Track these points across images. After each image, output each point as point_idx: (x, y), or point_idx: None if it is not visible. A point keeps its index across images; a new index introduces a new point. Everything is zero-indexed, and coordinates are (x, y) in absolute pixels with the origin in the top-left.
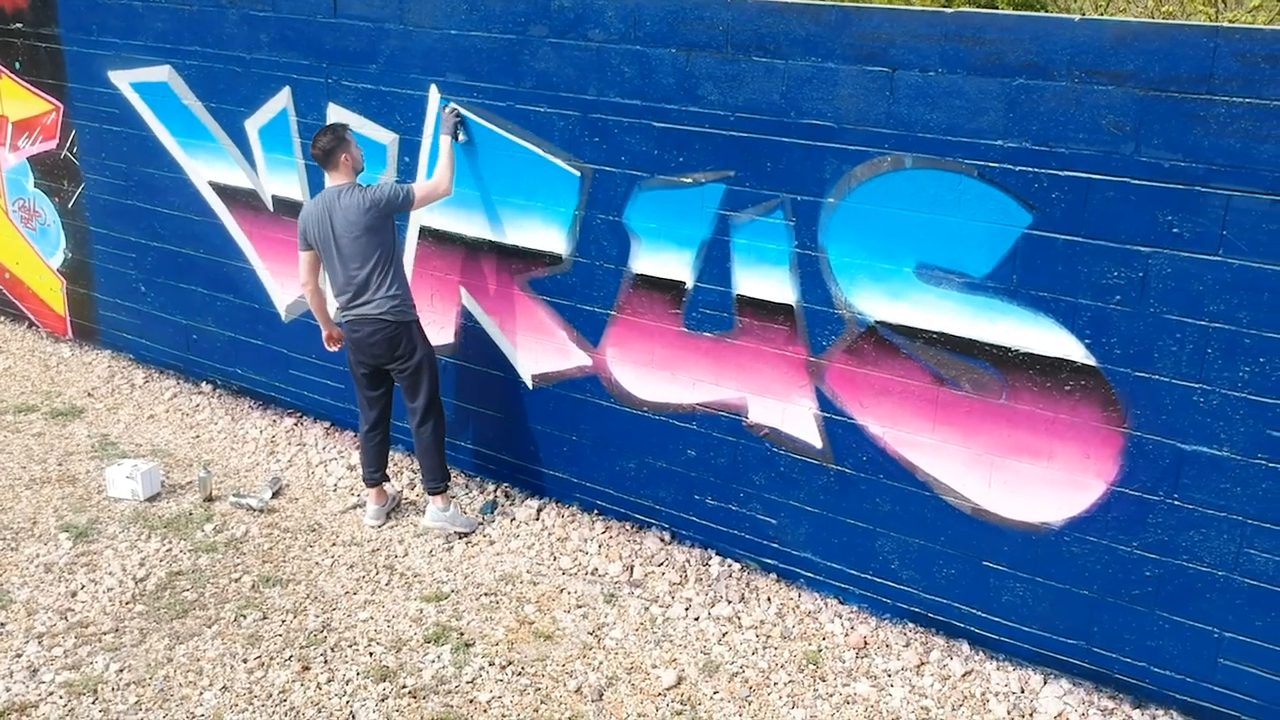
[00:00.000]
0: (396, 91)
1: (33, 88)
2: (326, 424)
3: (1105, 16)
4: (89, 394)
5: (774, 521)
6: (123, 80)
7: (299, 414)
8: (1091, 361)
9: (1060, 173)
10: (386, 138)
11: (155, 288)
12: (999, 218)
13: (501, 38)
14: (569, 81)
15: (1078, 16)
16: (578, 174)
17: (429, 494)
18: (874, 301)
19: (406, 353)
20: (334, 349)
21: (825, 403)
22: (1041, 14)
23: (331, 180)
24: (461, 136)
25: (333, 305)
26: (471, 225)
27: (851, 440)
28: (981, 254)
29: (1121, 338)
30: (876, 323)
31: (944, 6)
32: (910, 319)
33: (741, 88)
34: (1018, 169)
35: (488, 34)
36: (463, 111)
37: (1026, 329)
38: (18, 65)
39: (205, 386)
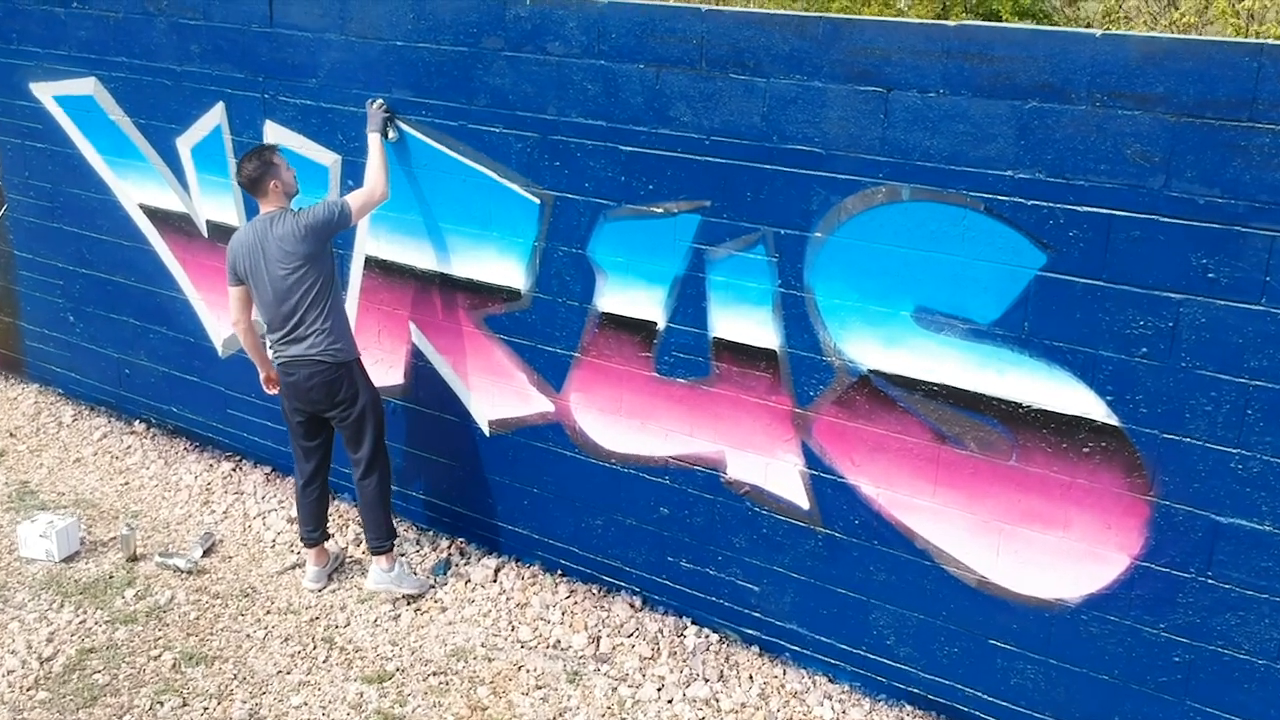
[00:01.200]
0: (338, 108)
1: None
2: (267, 469)
3: (1130, 31)
4: (11, 434)
5: (756, 588)
6: (45, 93)
7: (238, 457)
8: (1114, 421)
9: (1079, 208)
10: (328, 159)
11: (84, 318)
12: (1009, 258)
13: (452, 50)
14: (526, 99)
15: (1099, 32)
16: (537, 201)
17: (372, 553)
18: (867, 348)
19: (348, 398)
20: (273, 391)
21: (813, 459)
22: (1058, 29)
23: (263, 207)
24: (392, 134)
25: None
26: (422, 256)
27: (842, 501)
28: (989, 298)
29: (1148, 395)
30: (870, 372)
31: (941, 19)
32: (908, 369)
33: (718, 108)
34: (1030, 203)
35: (437, 46)
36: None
37: (1039, 383)
38: None
39: (138, 425)
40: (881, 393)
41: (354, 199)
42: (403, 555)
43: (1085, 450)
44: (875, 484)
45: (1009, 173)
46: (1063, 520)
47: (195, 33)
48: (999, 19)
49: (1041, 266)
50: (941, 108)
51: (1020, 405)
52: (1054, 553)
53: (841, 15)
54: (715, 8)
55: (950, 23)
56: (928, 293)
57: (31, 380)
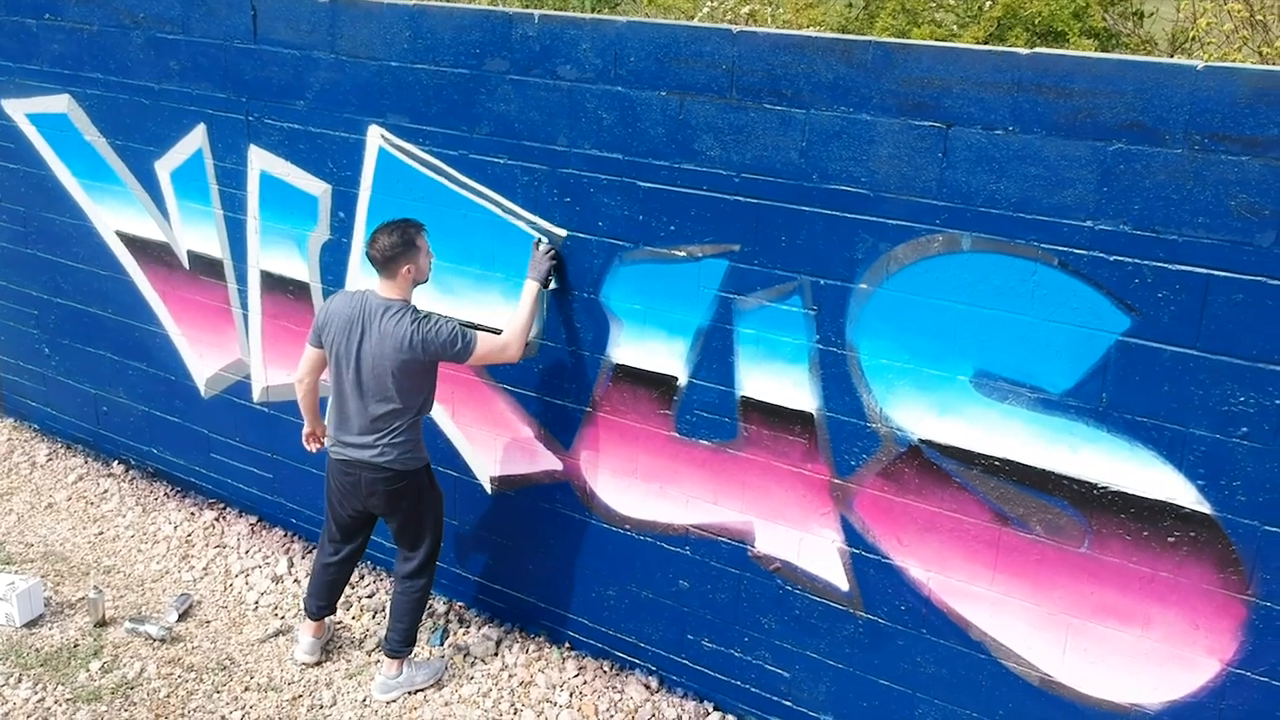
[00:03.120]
0: (328, 133)
1: None
2: (252, 519)
3: (1236, 64)
4: None
5: (787, 674)
6: (17, 110)
7: (221, 505)
8: (1205, 509)
9: (1169, 266)
10: (318, 188)
11: (60, 350)
12: (1086, 319)
13: (452, 72)
14: (534, 128)
15: (1200, 63)
16: (534, 242)
17: (386, 655)
18: (918, 416)
19: (411, 506)
20: (313, 448)
21: (853, 536)
22: (1150, 60)
23: (382, 288)
24: (553, 284)
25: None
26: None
27: (886, 584)
28: (1061, 364)
29: (1247, 481)
30: (921, 442)
31: (996, 41)
32: (965, 440)
33: (749, 142)
34: (1112, 259)
35: (436, 67)
36: (397, 143)
37: (1118, 462)
38: None
39: (116, 467)
40: (934, 465)
41: (483, 344)
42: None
43: (1170, 540)
44: (925, 567)
45: (1088, 223)
46: (1142, 617)
47: (174, 48)
48: (1063, 40)
49: (1124, 331)
50: (1010, 147)
51: (1095, 486)
52: (1131, 653)
53: (894, 40)
54: (748, 29)
55: (1022, 51)
56: (990, 356)
57: (6, 414)
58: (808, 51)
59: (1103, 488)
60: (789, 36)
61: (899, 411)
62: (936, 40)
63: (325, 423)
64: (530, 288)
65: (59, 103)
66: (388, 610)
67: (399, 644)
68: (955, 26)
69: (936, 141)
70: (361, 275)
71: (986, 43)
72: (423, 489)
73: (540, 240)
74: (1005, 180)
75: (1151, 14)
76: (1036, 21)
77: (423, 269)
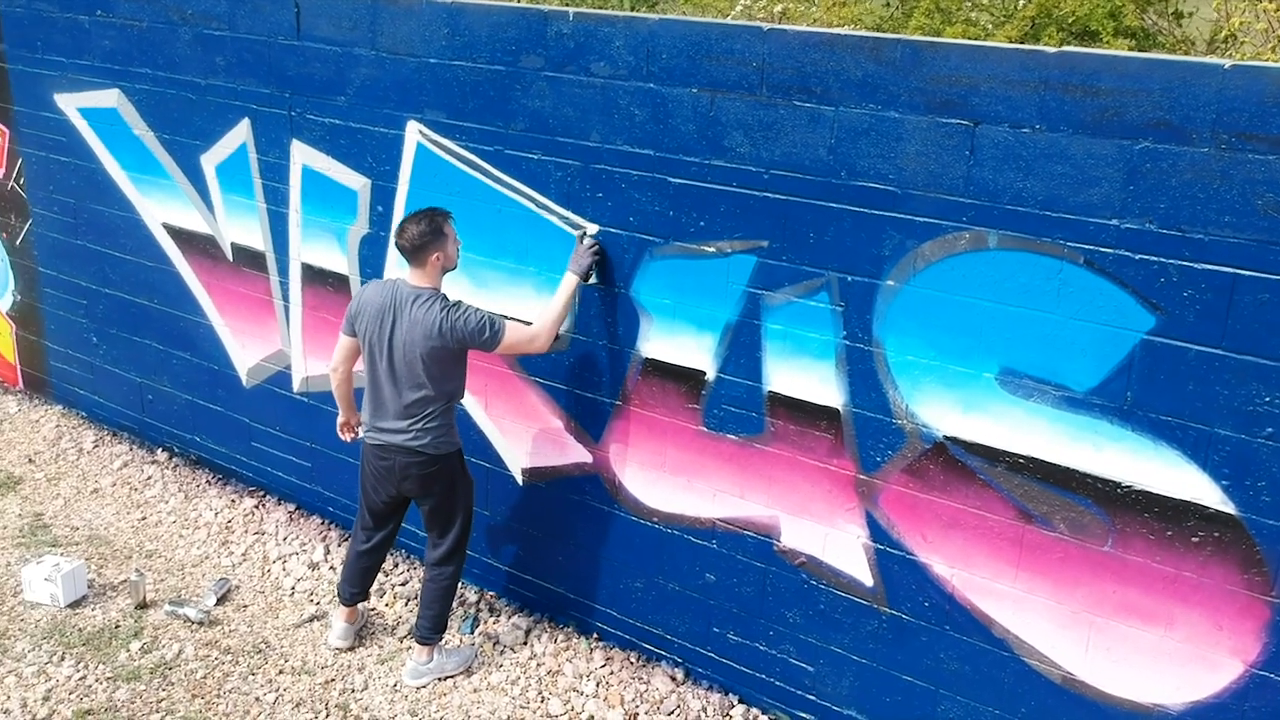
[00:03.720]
0: (368, 129)
1: None
2: (291, 507)
3: (1264, 63)
4: (30, 460)
5: (811, 669)
6: (70, 105)
7: (261, 493)
8: (1229, 509)
9: (1195, 265)
10: (357, 182)
11: (108, 339)
12: (1111, 318)
13: (488, 69)
14: (568, 124)
15: (1227, 62)
16: (575, 234)
17: (417, 642)
18: (943, 412)
19: (443, 490)
20: (348, 438)
21: (878, 531)
22: (1178, 58)
23: (412, 276)
24: (593, 279)
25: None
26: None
27: (911, 580)
28: (1086, 362)
29: (1272, 482)
30: (946, 438)
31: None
32: (990, 437)
33: (779, 139)
34: (1138, 257)
35: (473, 64)
36: (434, 138)
37: (1142, 461)
38: None
39: (160, 454)
40: (959, 462)
41: (512, 333)
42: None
43: (1194, 540)
44: (949, 563)
45: (1114, 222)
46: (1165, 617)
47: (220, 44)
48: (1097, 39)
49: (1149, 330)
50: (1037, 145)
51: (1119, 485)
52: (1153, 652)
53: (923, 39)
54: (778, 27)
55: (1049, 49)
56: (1015, 353)
57: (55, 401)
58: (837, 49)
59: (1126, 486)
60: (818, 34)
61: (924, 408)
62: (969, 39)
63: (361, 412)
64: (569, 280)
65: (109, 97)
66: (419, 597)
67: (429, 631)
68: (990, 25)
69: (964, 139)
70: (398, 269)
71: (1020, 42)
72: (455, 474)
73: (585, 234)
74: (1032, 178)
75: (1191, 13)
76: (1070, 21)
77: (451, 256)
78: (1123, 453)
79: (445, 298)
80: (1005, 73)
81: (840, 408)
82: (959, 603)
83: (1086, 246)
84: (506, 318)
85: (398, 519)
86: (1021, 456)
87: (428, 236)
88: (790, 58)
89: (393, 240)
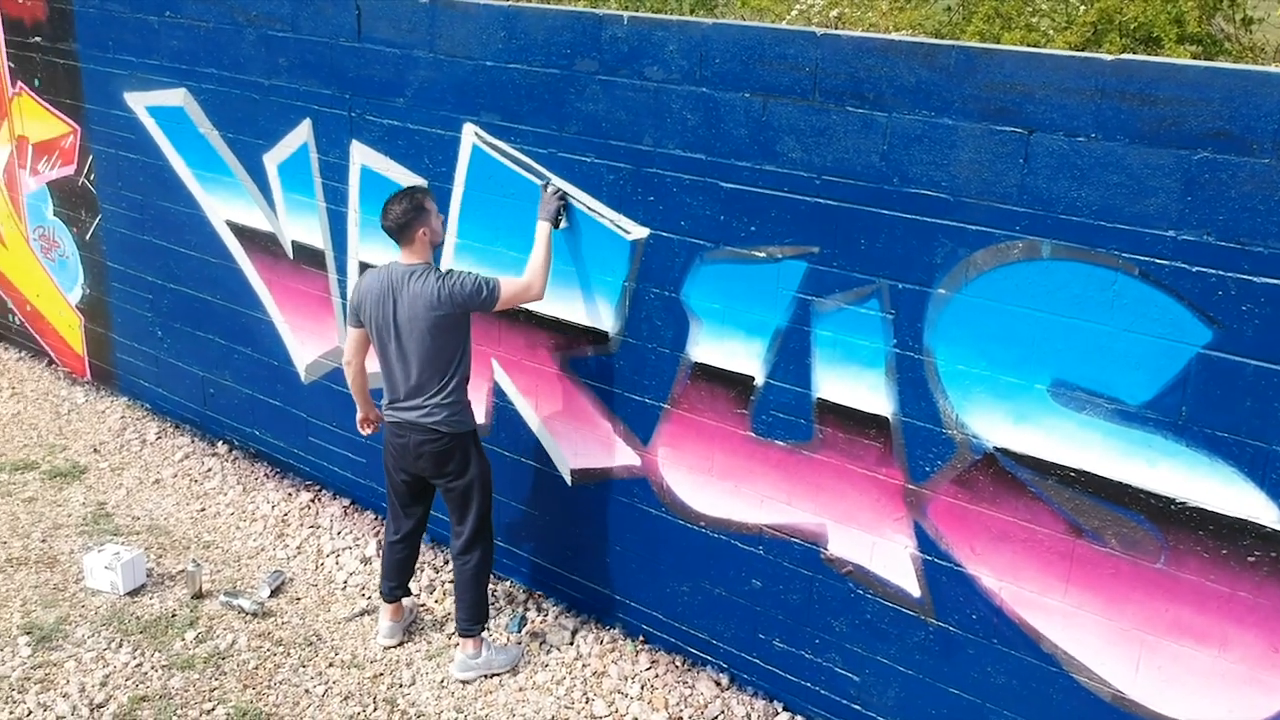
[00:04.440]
0: (425, 130)
1: (51, 108)
2: (346, 502)
3: None
4: (95, 449)
5: (856, 678)
6: (139, 103)
7: (317, 487)
8: None
9: (1255, 279)
10: (414, 182)
11: (172, 333)
12: (1166, 331)
13: (543, 72)
14: (621, 128)
15: None
16: (629, 239)
17: (461, 636)
18: (994, 423)
19: (458, 470)
20: (367, 432)
21: (926, 542)
22: (1239, 66)
23: (404, 256)
24: (563, 223)
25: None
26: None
27: (958, 592)
28: (1140, 375)
29: None
30: (996, 450)
31: (1090, 47)
32: (1041, 449)
33: (831, 145)
34: (1195, 270)
35: (528, 67)
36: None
37: (1197, 477)
38: (36, 82)
39: (221, 447)
40: (1009, 474)
41: (507, 286)
42: (489, 638)
43: (1250, 560)
44: (998, 576)
45: (1170, 233)
46: (1219, 637)
47: (284, 45)
48: (1159, 46)
49: (1206, 344)
50: (1092, 154)
51: (1173, 501)
52: (1206, 673)
53: (977, 45)
54: (832, 32)
55: (1106, 57)
56: (1067, 365)
57: (121, 393)
58: (890, 55)
59: (1180, 503)
60: (872, 40)
61: (975, 418)
62: (1029, 45)
63: (382, 400)
64: (542, 227)
65: (176, 96)
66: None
67: (467, 622)
68: (1050, 31)
69: (1018, 147)
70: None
71: (1081, 48)
72: (469, 452)
73: (548, 183)
74: (1087, 187)
75: (1261, 19)
76: (1133, 27)
77: (436, 230)
78: (1177, 468)
79: (437, 268)
80: (1061, 80)
81: (889, 416)
82: (1007, 616)
83: (1142, 258)
84: (555, 321)
85: (424, 507)
86: (1073, 470)
87: (411, 214)
88: (843, 63)
89: (380, 225)
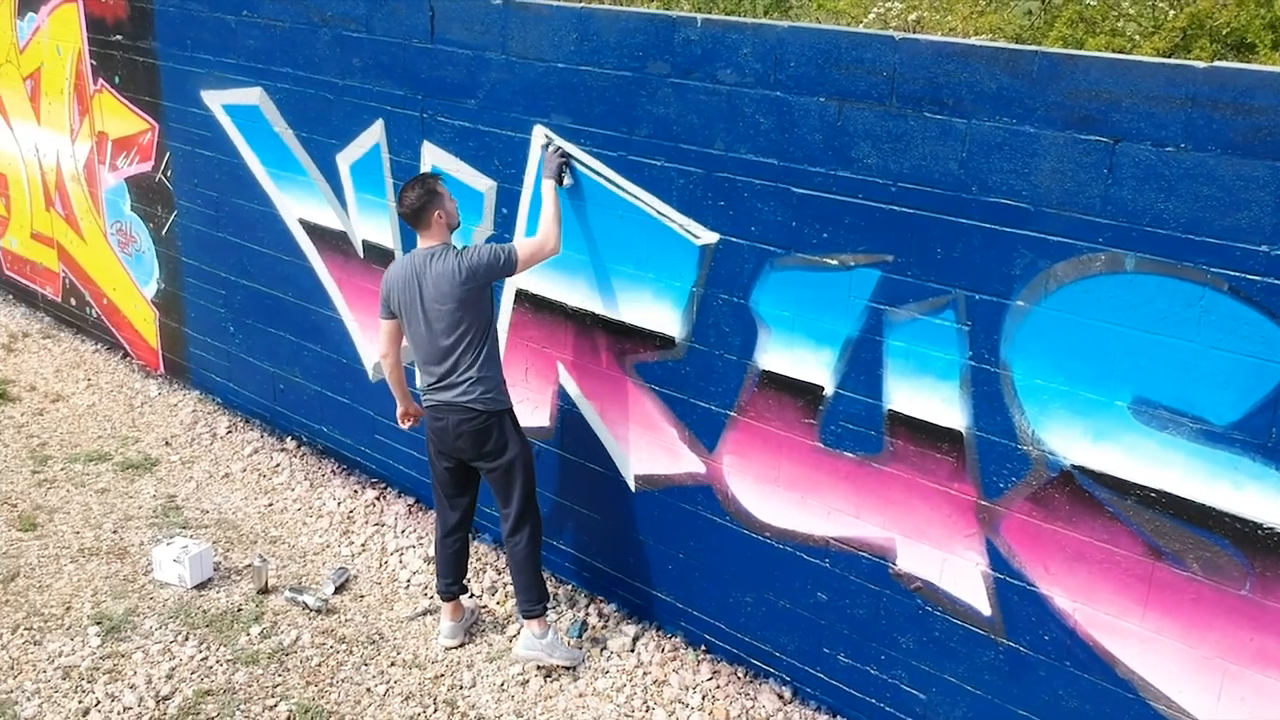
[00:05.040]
0: (496, 132)
1: (131, 105)
2: (411, 500)
3: None
4: (167, 442)
5: (923, 696)
6: (215, 101)
7: (383, 485)
8: None
9: None
10: (483, 184)
11: (244, 329)
12: (1257, 349)
13: (615, 74)
14: (692, 131)
15: None
16: (698, 244)
17: (523, 617)
18: (1072, 440)
19: (496, 449)
20: (407, 426)
21: (998, 560)
22: None
23: (423, 240)
24: (567, 180)
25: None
26: (573, 293)
27: (1030, 612)
28: (1228, 395)
29: None
30: (1073, 467)
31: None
32: (1120, 468)
33: (907, 151)
34: None
35: (599, 69)
36: (570, 150)
37: None
38: (117, 80)
39: (289, 442)
40: (1086, 493)
41: (523, 248)
42: (554, 623)
43: None
44: (1072, 597)
45: (1263, 248)
46: None
47: (358, 46)
48: (1253, 54)
49: None
50: (1181, 165)
51: (1260, 526)
52: None
53: (1061, 51)
54: (910, 36)
55: (1198, 64)
56: (1150, 382)
57: (193, 387)
58: (971, 60)
59: (1268, 528)
60: (952, 45)
61: (1052, 435)
62: (1114, 51)
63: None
64: (548, 185)
65: (252, 95)
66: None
67: (528, 604)
68: (1137, 37)
69: (1102, 156)
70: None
71: (1170, 55)
72: (506, 431)
73: (549, 143)
74: (1174, 199)
75: None
76: (1225, 33)
77: (451, 212)
78: (1265, 492)
79: (454, 246)
80: (1149, 88)
81: (963, 430)
82: (1081, 638)
83: (1232, 273)
84: (628, 327)
85: (470, 498)
86: (1153, 490)
87: (425, 198)
88: (922, 68)
89: (397, 213)
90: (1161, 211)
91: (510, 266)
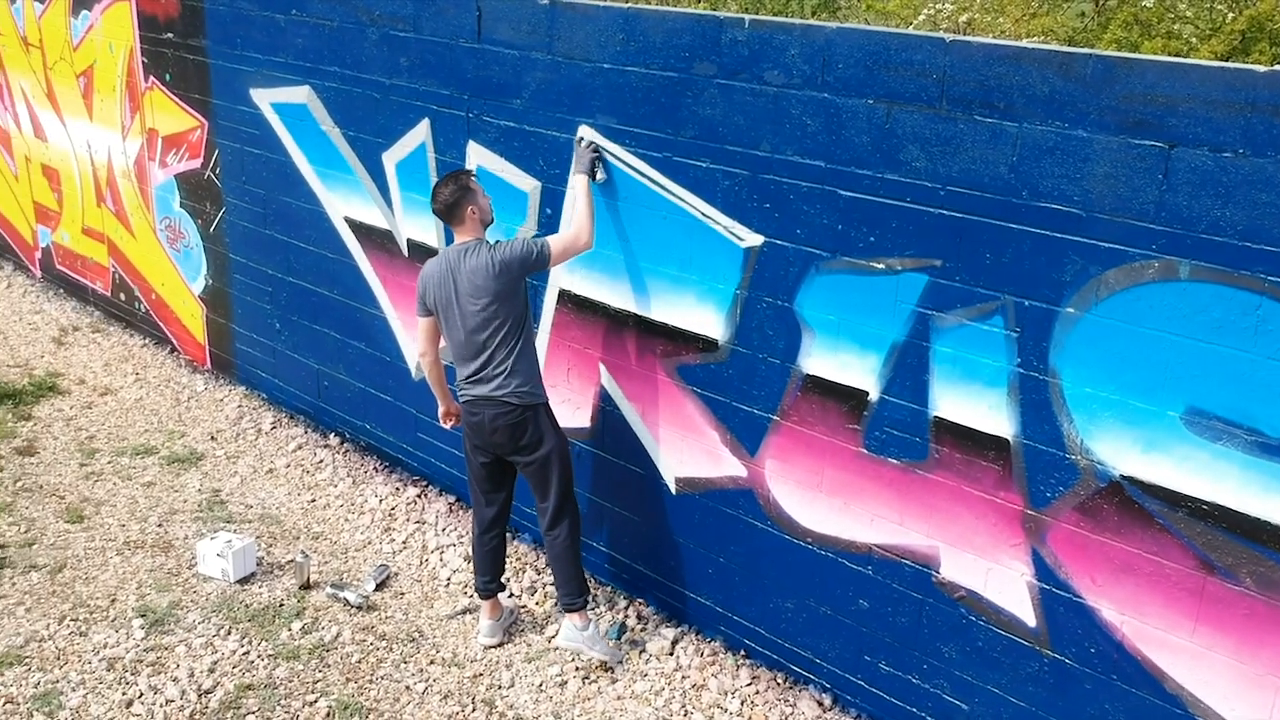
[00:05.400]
0: (540, 132)
1: (181, 102)
2: (451, 498)
3: None
4: (212, 437)
5: (965, 707)
6: (264, 99)
7: (424, 483)
8: None
9: None
10: (528, 184)
11: (290, 326)
12: None
13: (661, 75)
14: (738, 133)
15: None
16: (742, 246)
17: (564, 610)
18: (1122, 450)
19: (533, 443)
20: (449, 426)
21: (1044, 570)
22: None
23: (458, 236)
24: (600, 175)
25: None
26: (615, 294)
27: (1076, 624)
28: None
29: None
30: (1123, 478)
31: (1236, 56)
32: (1172, 480)
33: (957, 154)
34: None
35: (645, 70)
36: (614, 150)
37: None
38: (168, 77)
39: (333, 439)
40: (1135, 504)
41: (555, 242)
42: (596, 617)
43: None
44: (1120, 610)
45: None
46: None
47: (405, 45)
48: None
49: None
50: (1239, 171)
51: None
52: None
53: (1116, 54)
54: (961, 38)
55: (1259, 68)
56: (1204, 392)
57: (239, 382)
58: (1023, 63)
59: None
60: (1004, 47)
61: (1101, 444)
62: (1171, 54)
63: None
64: (580, 180)
65: (300, 93)
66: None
67: (568, 597)
68: (1194, 39)
69: (1157, 162)
70: (564, 271)
71: (1227, 58)
72: (542, 425)
73: (582, 138)
74: (1232, 206)
75: None
76: None
77: (484, 208)
78: None
79: (487, 241)
80: (1207, 92)
81: (1010, 438)
82: (1128, 652)
83: None
84: (670, 329)
85: (506, 494)
86: (1205, 503)
87: (458, 194)
88: (973, 71)
89: (431, 210)
90: (1218, 218)
91: (543, 260)
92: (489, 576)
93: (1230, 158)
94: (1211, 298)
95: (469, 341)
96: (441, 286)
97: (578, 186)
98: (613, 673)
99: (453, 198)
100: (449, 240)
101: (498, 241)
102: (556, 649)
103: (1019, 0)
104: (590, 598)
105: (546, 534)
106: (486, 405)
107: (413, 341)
